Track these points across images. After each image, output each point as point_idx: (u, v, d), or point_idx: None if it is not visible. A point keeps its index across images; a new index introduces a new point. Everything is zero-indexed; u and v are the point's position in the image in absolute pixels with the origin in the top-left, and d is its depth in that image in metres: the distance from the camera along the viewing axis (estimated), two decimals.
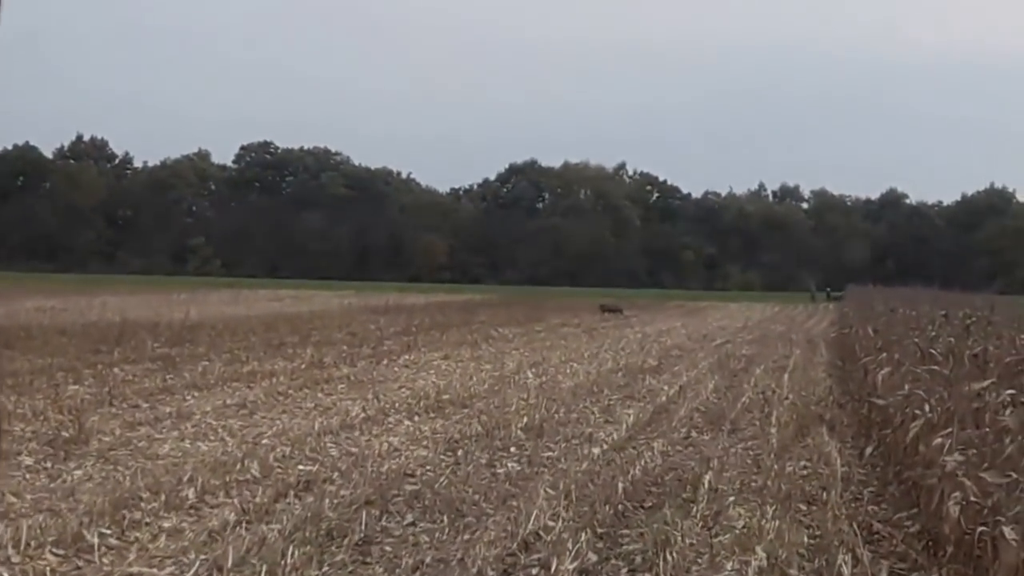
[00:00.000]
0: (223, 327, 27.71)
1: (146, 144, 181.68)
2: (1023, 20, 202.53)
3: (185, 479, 9.16)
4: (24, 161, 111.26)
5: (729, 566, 7.10)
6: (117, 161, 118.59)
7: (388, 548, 7.51)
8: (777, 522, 8.05)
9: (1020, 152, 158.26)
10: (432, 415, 13.94)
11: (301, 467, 10.14)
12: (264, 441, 11.53)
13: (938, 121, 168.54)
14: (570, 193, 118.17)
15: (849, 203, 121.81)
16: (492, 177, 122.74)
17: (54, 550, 7.16)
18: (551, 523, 7.96)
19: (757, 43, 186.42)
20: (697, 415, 14.59)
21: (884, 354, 14.25)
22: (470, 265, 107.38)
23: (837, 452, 11.41)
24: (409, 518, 8.33)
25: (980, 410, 7.94)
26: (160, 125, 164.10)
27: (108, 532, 7.59)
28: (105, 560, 7.07)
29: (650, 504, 9.07)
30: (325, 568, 6.97)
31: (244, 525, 7.85)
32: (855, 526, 8.20)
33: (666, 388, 17.49)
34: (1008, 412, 7.60)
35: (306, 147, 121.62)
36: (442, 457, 11.01)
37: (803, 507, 8.92)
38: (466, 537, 7.76)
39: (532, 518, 7.99)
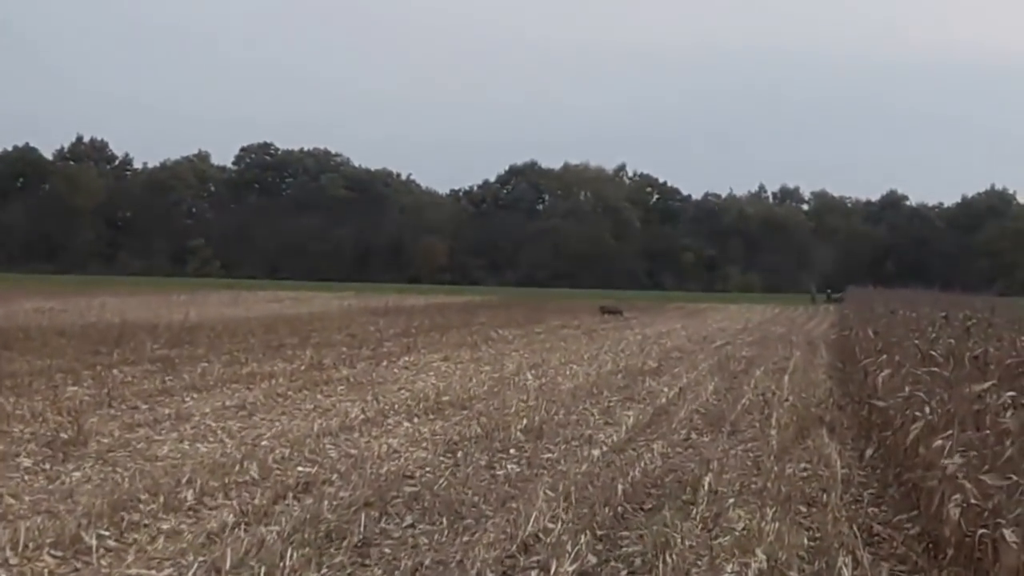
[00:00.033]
0: (222, 328, 27.69)
1: (146, 145, 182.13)
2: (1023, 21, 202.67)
3: (184, 481, 9.15)
4: (24, 162, 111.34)
5: (729, 568, 7.09)
6: (117, 162, 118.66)
7: (387, 550, 7.50)
8: (777, 524, 8.03)
9: (1020, 153, 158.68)
10: (431, 417, 13.92)
11: (300, 469, 10.13)
12: (263, 443, 11.52)
13: (938, 122, 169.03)
14: (570, 195, 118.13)
15: (849, 204, 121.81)
16: (492, 179, 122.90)
17: (52, 552, 7.15)
18: (550, 525, 7.95)
19: (757, 44, 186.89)
20: (697, 417, 14.57)
21: (884, 356, 14.24)
22: (470, 267, 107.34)
23: (837, 454, 11.39)
24: (408, 520, 8.31)
25: (981, 412, 7.93)
26: (160, 126, 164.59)
27: (106, 534, 7.58)
28: (103, 562, 7.07)
29: (650, 506, 9.06)
30: (324, 570, 6.95)
31: (243, 527, 7.83)
32: (855, 528, 8.19)
33: (666, 390, 17.46)
34: (1009, 414, 7.59)
35: (306, 148, 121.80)
36: (441, 459, 10.99)
37: (803, 509, 8.91)
38: (465, 539, 7.75)
39: (531, 520, 7.97)
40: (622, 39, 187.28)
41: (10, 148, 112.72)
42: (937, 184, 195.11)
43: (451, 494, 9.16)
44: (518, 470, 10.52)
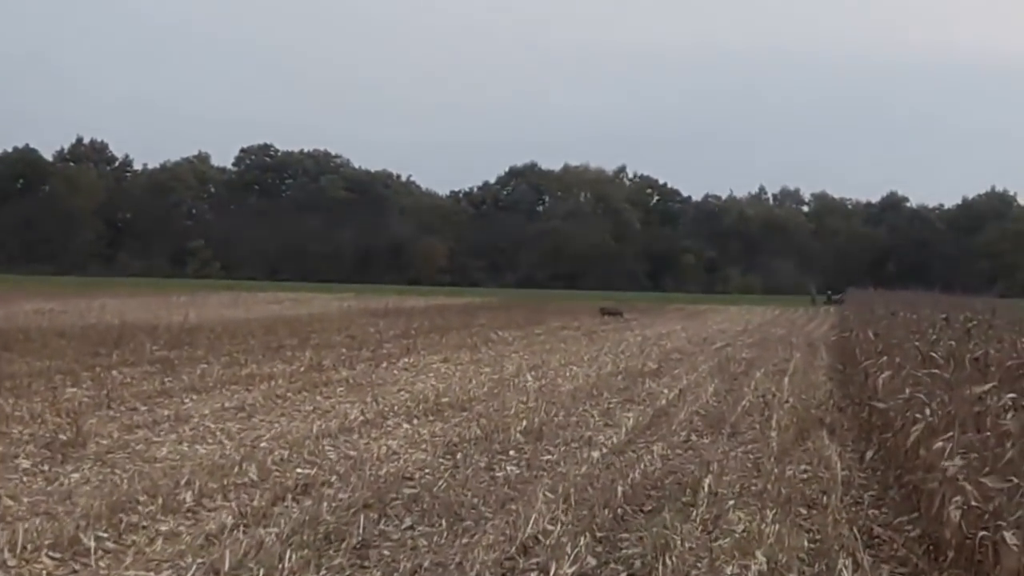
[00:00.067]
0: (222, 330, 27.69)
1: (146, 147, 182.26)
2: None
3: (183, 482, 9.14)
4: (24, 164, 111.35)
5: (729, 570, 7.07)
6: (117, 163, 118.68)
7: (386, 552, 7.48)
8: (777, 526, 8.02)
9: (1021, 155, 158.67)
10: (431, 418, 13.91)
11: (299, 470, 10.11)
12: (262, 444, 11.50)
13: (939, 124, 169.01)
14: (570, 196, 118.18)
15: (850, 206, 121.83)
16: (492, 180, 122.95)
17: (51, 553, 7.14)
18: (550, 527, 7.93)
19: (757, 46, 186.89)
20: (697, 419, 14.55)
21: (885, 358, 14.23)
22: (470, 268, 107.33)
23: (837, 456, 11.37)
24: (407, 522, 8.29)
25: (981, 414, 7.91)
26: (160, 128, 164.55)
27: (105, 535, 7.57)
28: (102, 564, 7.05)
29: (649, 508, 9.04)
30: (323, 572, 6.94)
31: (242, 529, 7.82)
32: (855, 530, 8.17)
33: (666, 391, 17.45)
34: (1009, 416, 7.57)
35: (306, 150, 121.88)
36: (441, 460, 10.98)
37: (803, 511, 8.89)
38: (464, 541, 7.73)
39: (531, 522, 7.96)
40: (622, 40, 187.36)
41: (10, 149, 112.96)
42: (937, 186, 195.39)
43: (450, 496, 9.15)
44: (518, 472, 10.51)
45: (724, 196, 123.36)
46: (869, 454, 11.45)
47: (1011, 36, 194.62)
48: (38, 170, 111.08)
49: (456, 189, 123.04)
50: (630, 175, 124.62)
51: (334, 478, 9.79)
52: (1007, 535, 6.11)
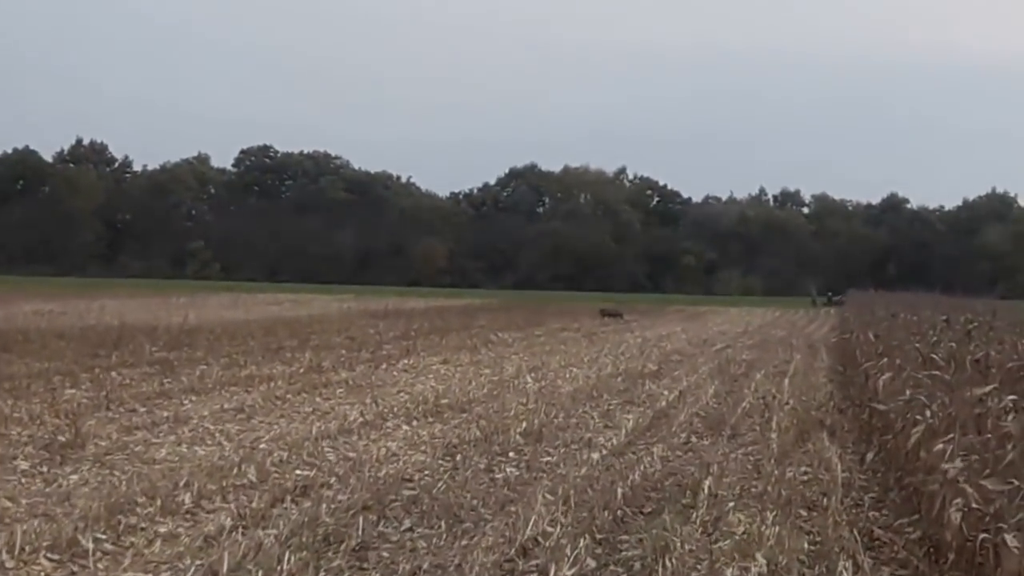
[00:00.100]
0: (222, 331, 27.67)
1: (145, 148, 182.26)
2: None
3: (181, 484, 9.13)
4: (24, 165, 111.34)
5: (729, 573, 7.06)
6: (116, 165, 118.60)
7: (385, 554, 7.46)
8: (777, 528, 8.01)
9: (1022, 157, 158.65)
10: (431, 420, 13.89)
11: (298, 472, 10.10)
12: (261, 446, 11.48)
13: (939, 125, 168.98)
14: (570, 197, 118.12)
15: (850, 208, 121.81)
16: (492, 181, 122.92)
17: (49, 555, 7.13)
18: (550, 529, 7.92)
19: (757, 47, 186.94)
20: (697, 420, 14.54)
21: (885, 359, 14.21)
22: (470, 270, 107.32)
23: (838, 458, 11.36)
24: (407, 524, 8.28)
25: (982, 416, 7.89)
26: (159, 129, 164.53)
27: (103, 537, 7.56)
28: (100, 565, 7.04)
29: (649, 510, 9.03)
30: (321, 574, 6.92)
31: (240, 530, 7.81)
32: (856, 532, 8.16)
33: (666, 393, 17.43)
34: (1010, 418, 7.55)
35: (305, 151, 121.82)
36: (440, 462, 10.96)
37: (803, 513, 8.88)
38: (464, 543, 7.71)
39: (530, 524, 7.94)
40: (622, 41, 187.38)
41: (10, 151, 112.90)
42: (938, 187, 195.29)
43: (450, 497, 9.13)
44: (517, 473, 10.49)
45: (724, 197, 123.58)
46: (869, 456, 11.43)
47: (1011, 37, 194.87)
48: (38, 171, 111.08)
49: (456, 190, 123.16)
50: (630, 176, 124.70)
51: (333, 480, 9.77)
52: (1008, 537, 6.09)
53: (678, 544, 7.60)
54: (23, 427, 12.08)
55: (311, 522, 7.95)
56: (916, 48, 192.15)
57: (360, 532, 7.81)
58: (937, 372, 9.88)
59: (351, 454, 11.21)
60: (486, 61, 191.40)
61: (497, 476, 10.33)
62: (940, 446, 7.73)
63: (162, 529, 7.89)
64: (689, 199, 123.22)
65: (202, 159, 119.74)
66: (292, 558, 6.99)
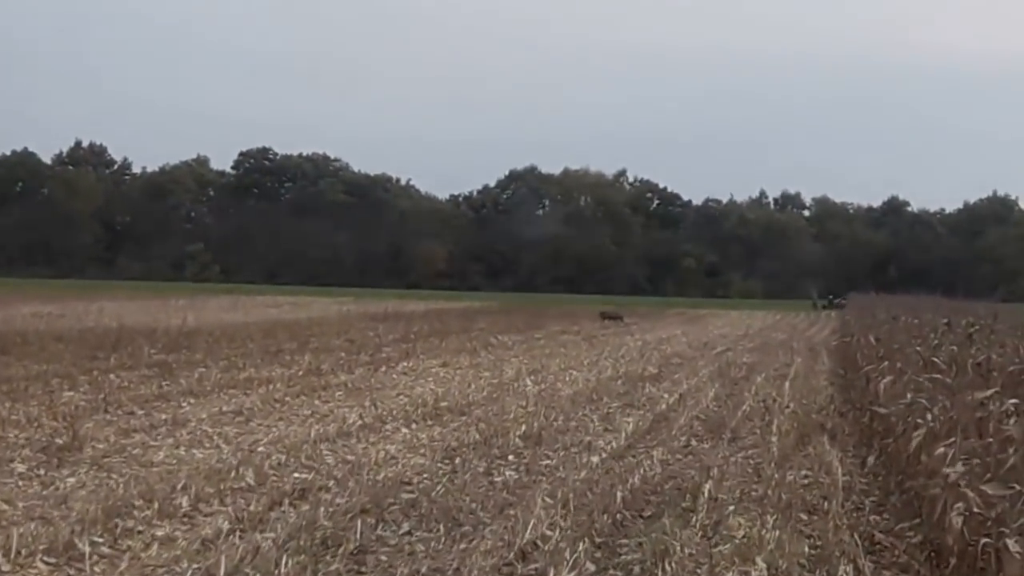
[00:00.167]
0: (221, 333, 27.64)
1: (144, 150, 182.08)
2: None
3: (179, 487, 9.09)
4: (23, 167, 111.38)
5: None
6: (115, 167, 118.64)
7: (383, 557, 7.43)
8: (778, 532, 7.97)
9: (1023, 160, 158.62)
10: (430, 423, 13.86)
11: (296, 475, 10.07)
12: (260, 448, 11.45)
13: (941, 127, 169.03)
14: (570, 200, 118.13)
15: (851, 210, 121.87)
16: (492, 184, 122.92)
17: (45, 558, 7.10)
18: (549, 532, 7.88)
19: (758, 49, 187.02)
20: (697, 423, 14.51)
21: (886, 362, 14.18)
22: (469, 272, 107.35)
23: (838, 461, 11.33)
24: (405, 527, 8.25)
25: (983, 420, 7.85)
26: (159, 131, 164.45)
27: (100, 540, 7.53)
28: (97, 569, 7.02)
29: (649, 513, 8.99)
30: None
31: (238, 534, 7.78)
32: (856, 536, 8.13)
33: (666, 396, 17.41)
34: (1011, 422, 7.51)
35: (305, 153, 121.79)
36: (439, 465, 10.93)
37: (804, 517, 8.85)
38: (463, 546, 7.68)
39: (530, 527, 7.91)
40: (622, 44, 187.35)
41: (8, 153, 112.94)
42: (939, 190, 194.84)
43: (449, 501, 9.10)
44: (516, 477, 10.46)
45: (725, 200, 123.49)
46: (870, 460, 11.41)
47: (1012, 39, 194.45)
48: (36, 173, 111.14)
49: (456, 193, 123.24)
50: (630, 179, 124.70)
51: (332, 483, 9.74)
52: (1009, 542, 6.06)
53: (678, 548, 7.57)
54: (20, 429, 12.04)
55: (309, 525, 7.91)
56: (917, 50, 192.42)
57: (358, 535, 7.77)
58: (938, 375, 9.85)
59: (350, 457, 11.17)
60: (486, 62, 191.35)
61: (496, 479, 10.30)
62: (941, 450, 7.70)
63: (159, 532, 7.86)
64: (689, 202, 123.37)
65: (201, 161, 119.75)
66: (290, 561, 6.95)
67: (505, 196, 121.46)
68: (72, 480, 9.59)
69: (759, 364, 24.85)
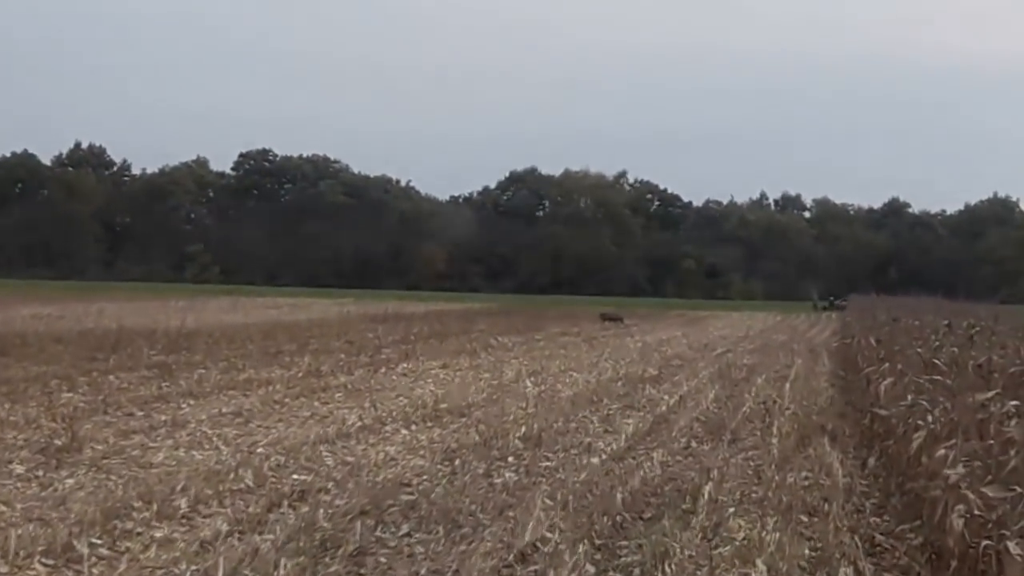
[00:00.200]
0: (220, 335, 27.63)
1: (144, 151, 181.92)
2: None
3: (178, 488, 9.08)
4: (22, 168, 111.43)
5: None
6: (115, 168, 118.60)
7: (383, 559, 7.42)
8: (778, 534, 7.96)
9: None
10: (429, 424, 13.84)
11: (295, 476, 10.05)
12: (259, 450, 11.44)
13: (942, 129, 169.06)
14: (570, 201, 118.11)
15: (852, 212, 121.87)
16: (492, 185, 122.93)
17: (43, 560, 7.09)
18: (548, 534, 7.87)
19: (758, 49, 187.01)
20: (697, 425, 14.49)
21: (887, 364, 14.17)
22: (469, 274, 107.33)
23: (839, 463, 11.32)
24: (404, 529, 8.23)
25: (984, 422, 7.84)
26: (158, 132, 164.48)
27: (99, 542, 7.51)
28: (95, 570, 7.00)
29: (649, 515, 8.97)
30: None
31: (237, 535, 7.77)
32: (857, 538, 8.11)
33: (666, 398, 17.40)
34: (1012, 423, 7.50)
35: (305, 155, 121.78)
36: (439, 467, 10.91)
37: (804, 519, 8.83)
38: (462, 548, 7.66)
39: (529, 529, 7.90)
40: (623, 46, 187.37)
41: (8, 154, 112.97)
42: (940, 191, 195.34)
43: (448, 503, 9.08)
44: (516, 478, 10.44)
45: (725, 201, 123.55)
46: (871, 461, 11.40)
47: (1013, 39, 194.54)
48: (36, 175, 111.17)
49: (456, 194, 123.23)
50: (630, 180, 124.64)
51: (331, 484, 9.72)
52: (1011, 544, 6.04)
53: (678, 550, 7.56)
54: (19, 431, 12.03)
55: (308, 527, 7.90)
56: (918, 51, 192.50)
57: (358, 537, 7.76)
58: (939, 377, 9.85)
59: (349, 459, 11.16)
60: (486, 63, 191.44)
61: (496, 481, 10.27)
62: (942, 451, 7.68)
63: (158, 534, 7.84)
64: (690, 203, 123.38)
65: (201, 162, 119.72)
66: (289, 564, 6.94)
67: (505, 198, 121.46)
68: (71, 481, 9.58)
69: (759, 365, 24.83)
